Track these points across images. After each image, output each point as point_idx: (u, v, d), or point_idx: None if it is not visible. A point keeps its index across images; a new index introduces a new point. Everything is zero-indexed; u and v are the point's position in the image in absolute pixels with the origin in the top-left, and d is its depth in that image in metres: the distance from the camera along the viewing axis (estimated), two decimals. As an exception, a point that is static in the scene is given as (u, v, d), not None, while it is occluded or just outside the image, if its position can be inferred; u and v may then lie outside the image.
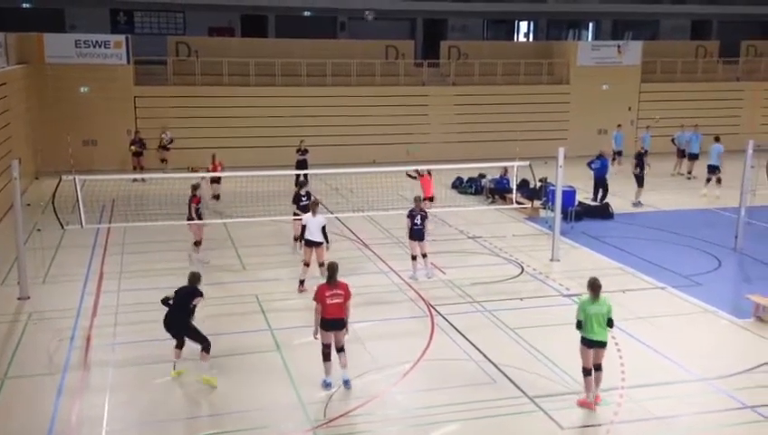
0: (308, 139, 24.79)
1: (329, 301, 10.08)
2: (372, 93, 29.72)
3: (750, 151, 16.90)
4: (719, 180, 22.74)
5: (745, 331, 12.59)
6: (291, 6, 34.42)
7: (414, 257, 15.04)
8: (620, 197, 22.24)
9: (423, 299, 13.90)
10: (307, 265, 14.22)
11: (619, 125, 28.57)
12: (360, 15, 34.64)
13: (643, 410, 9.76)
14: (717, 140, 23.40)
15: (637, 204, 21.90)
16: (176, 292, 10.57)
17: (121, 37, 27.82)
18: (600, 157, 22.41)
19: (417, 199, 15.37)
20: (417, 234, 14.91)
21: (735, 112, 33.51)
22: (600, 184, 22.11)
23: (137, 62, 28.10)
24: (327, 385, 10.28)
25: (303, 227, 14.37)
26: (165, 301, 10.60)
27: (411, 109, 30.11)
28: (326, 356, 10.29)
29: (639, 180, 21.96)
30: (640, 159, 22.05)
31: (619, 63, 32.20)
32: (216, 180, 20.78)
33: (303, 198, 15.76)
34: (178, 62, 29.23)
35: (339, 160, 25.91)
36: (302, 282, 14.24)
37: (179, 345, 10.63)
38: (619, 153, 27.37)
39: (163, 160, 25.94)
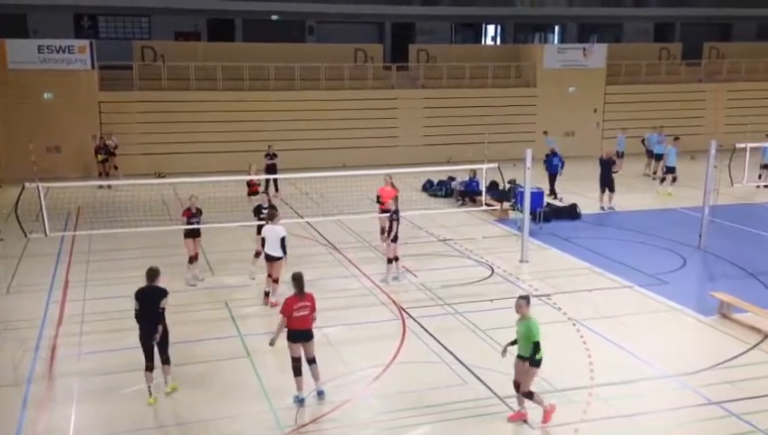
0: (277, 143, 24.68)
1: (295, 314, 9.78)
2: (341, 97, 29.73)
3: (713, 152, 17.22)
4: (671, 180, 23.95)
5: (710, 328, 12.80)
6: (258, 10, 34.23)
7: (390, 261, 15.06)
8: (588, 197, 22.48)
9: (394, 302, 13.91)
10: (270, 276, 13.82)
11: (546, 132, 28.83)
12: (327, 19, 34.55)
13: (611, 409, 9.87)
14: (674, 140, 24.59)
15: (610, 208, 21.72)
16: (136, 297, 9.90)
17: (85, 42, 27.43)
18: (555, 154, 23.03)
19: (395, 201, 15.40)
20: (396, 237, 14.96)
21: (698, 113, 34.19)
22: (553, 180, 23.11)
23: (101, 67, 27.74)
24: (299, 401, 9.94)
25: (263, 240, 13.66)
26: (136, 315, 9.94)
27: (380, 112, 30.19)
28: (297, 370, 9.90)
29: (611, 185, 21.74)
30: (608, 163, 21.73)
31: (585, 66, 32.63)
32: (253, 193, 19.96)
33: (264, 210, 14.53)
34: (144, 66, 28.94)
35: (308, 164, 25.84)
36: (266, 293, 13.89)
37: (150, 367, 9.94)
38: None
39: (115, 167, 25.56)
